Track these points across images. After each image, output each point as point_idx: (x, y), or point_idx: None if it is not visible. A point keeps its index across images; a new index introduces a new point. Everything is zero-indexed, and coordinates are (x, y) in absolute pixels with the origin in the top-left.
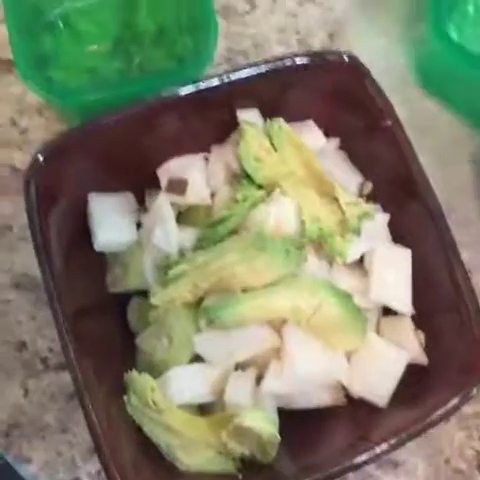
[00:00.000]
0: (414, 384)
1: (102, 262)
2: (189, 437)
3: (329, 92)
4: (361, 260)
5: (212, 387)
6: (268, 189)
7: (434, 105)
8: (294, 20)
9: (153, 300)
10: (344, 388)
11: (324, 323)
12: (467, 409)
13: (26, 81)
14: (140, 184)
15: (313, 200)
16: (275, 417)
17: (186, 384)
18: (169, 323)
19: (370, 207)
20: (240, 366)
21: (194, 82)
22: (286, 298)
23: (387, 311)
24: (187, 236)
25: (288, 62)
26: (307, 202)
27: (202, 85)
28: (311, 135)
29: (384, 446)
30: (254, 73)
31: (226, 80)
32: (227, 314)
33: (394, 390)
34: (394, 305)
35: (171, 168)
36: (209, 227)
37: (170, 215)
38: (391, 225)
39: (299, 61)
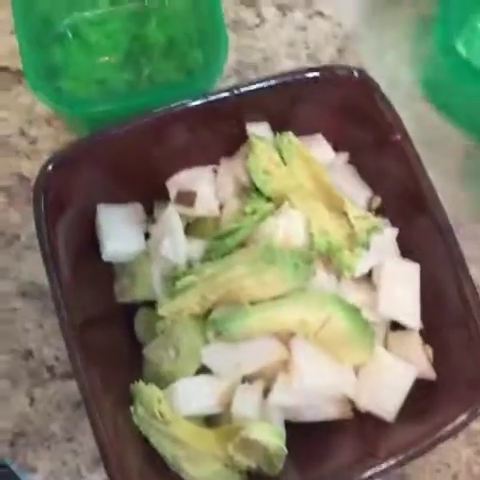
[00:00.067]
0: (422, 399)
1: (110, 272)
2: (195, 449)
3: (338, 106)
4: (369, 274)
5: (219, 399)
6: (277, 202)
7: (442, 120)
8: (303, 34)
9: (160, 311)
10: (351, 402)
11: (332, 337)
12: (475, 425)
13: (35, 91)
14: (149, 195)
15: (322, 214)
16: (282, 430)
17: (193, 396)
18: (176, 334)
19: (379, 221)
20: (247, 378)
21: (204, 95)
22: (294, 311)
23: (395, 326)
24: (195, 248)
25: (298, 76)
26: (316, 216)
27: (212, 98)
28: (320, 149)
29: (392, 462)
30: (264, 86)
31: (236, 93)
32: (235, 326)
33: (402, 405)
34: (402, 320)
35: (180, 180)
36: (217, 239)
37: (179, 226)
38: (399, 240)
39: (309, 75)
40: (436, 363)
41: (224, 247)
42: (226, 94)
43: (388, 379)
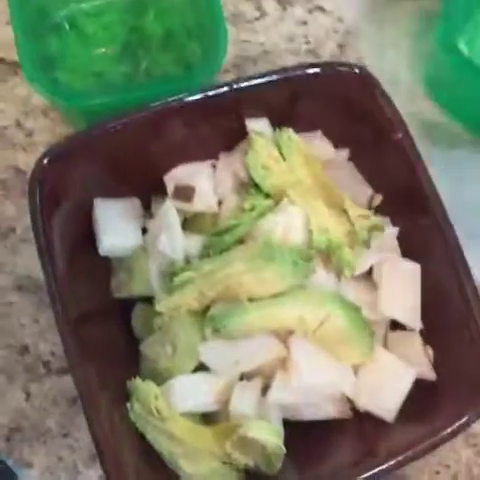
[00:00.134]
0: (422, 400)
1: (107, 267)
2: (192, 446)
3: (339, 103)
4: (370, 273)
5: (216, 396)
6: (276, 198)
7: (444, 117)
8: (304, 28)
9: (158, 307)
10: (351, 401)
11: (331, 335)
12: (475, 426)
13: (32, 83)
14: (146, 190)
15: (321, 211)
16: (280, 428)
17: (190, 393)
18: (174, 331)
19: (379, 220)
20: (245, 376)
21: (202, 89)
22: (293, 309)
23: (395, 325)
24: (193, 243)
25: (299, 71)
26: (315, 213)
27: (210, 92)
28: (320, 146)
29: (391, 462)
30: (264, 82)
31: (235, 88)
32: (233, 323)
33: (401, 405)
34: (402, 319)
35: (178, 174)
36: (216, 235)
37: (176, 222)
38: (400, 238)
39: (310, 71)
40: (437, 364)
41: (222, 243)
42: (225, 89)
43: (388, 379)
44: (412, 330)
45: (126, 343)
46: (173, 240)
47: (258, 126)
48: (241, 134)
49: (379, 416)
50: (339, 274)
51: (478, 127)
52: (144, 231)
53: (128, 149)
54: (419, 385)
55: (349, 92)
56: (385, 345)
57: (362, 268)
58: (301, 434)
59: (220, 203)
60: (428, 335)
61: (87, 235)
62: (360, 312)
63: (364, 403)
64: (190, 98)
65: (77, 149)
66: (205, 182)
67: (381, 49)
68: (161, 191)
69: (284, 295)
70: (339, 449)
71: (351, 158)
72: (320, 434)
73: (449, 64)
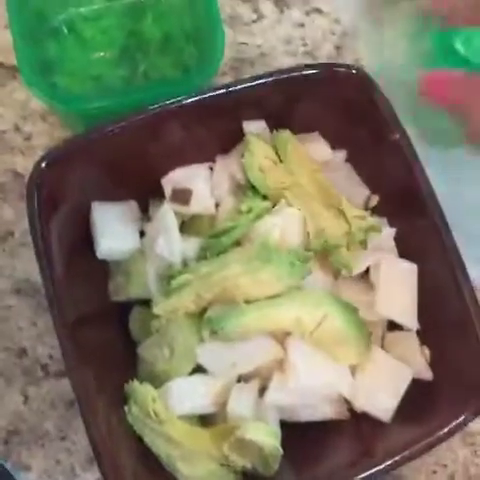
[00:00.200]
0: (419, 400)
1: (104, 270)
2: (190, 448)
3: (336, 104)
4: (367, 273)
5: (214, 398)
6: (273, 200)
7: (441, 118)
8: (301, 30)
9: (155, 310)
10: (347, 402)
11: (328, 336)
12: (472, 426)
13: (30, 87)
14: (144, 193)
15: (319, 212)
16: (277, 430)
17: (187, 395)
18: (171, 333)
19: (377, 221)
20: (243, 378)
21: (200, 91)
22: (290, 310)
23: (392, 326)
24: (190, 246)
25: (296, 73)
26: (312, 214)
27: (208, 95)
28: (317, 147)
29: (388, 463)
30: (261, 84)
31: (232, 90)
32: (230, 325)
33: (398, 405)
34: (399, 320)
35: (175, 177)
36: (213, 237)
37: (174, 224)
38: (397, 239)
39: (307, 72)
40: (433, 364)
41: (220, 245)
42: (222, 91)
43: (384, 379)
44: (409, 330)
45: (124, 346)
46: (171, 243)
47: (255, 128)
48: (238, 136)
49: (376, 416)
50: (336, 275)
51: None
52: (142, 234)
53: (126, 152)
54: (416, 385)
55: (346, 93)
56: (382, 345)
57: (359, 269)
58: (298, 435)
59: (217, 205)
60: (425, 335)
61: (85, 238)
62: (357, 313)
63: (361, 404)
64: (188, 101)
65: (75, 152)
66: (202, 185)
67: (378, 50)
68: (159, 194)
69: (281, 296)
70: (336, 450)
71: (348, 159)
72: (317, 435)
73: (446, 64)
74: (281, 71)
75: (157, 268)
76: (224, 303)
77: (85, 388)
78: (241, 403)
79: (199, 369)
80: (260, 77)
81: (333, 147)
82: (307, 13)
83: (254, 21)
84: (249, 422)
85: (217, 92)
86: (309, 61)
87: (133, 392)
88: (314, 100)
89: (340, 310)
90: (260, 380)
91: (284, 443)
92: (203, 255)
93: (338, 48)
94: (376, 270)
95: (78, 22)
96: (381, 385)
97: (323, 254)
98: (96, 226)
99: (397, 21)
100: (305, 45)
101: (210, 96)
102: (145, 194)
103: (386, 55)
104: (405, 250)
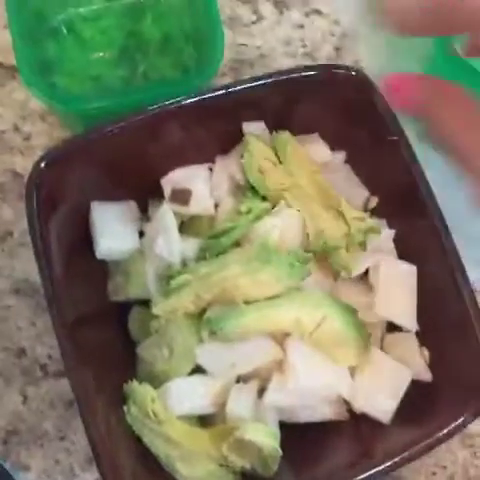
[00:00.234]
0: (419, 401)
1: (104, 270)
2: (189, 449)
3: (336, 106)
4: (366, 275)
5: (213, 399)
6: (272, 201)
7: None
8: (300, 32)
9: (155, 310)
10: (347, 403)
11: (327, 337)
12: (471, 427)
13: (29, 87)
14: (143, 193)
15: (318, 213)
16: (277, 431)
17: (186, 395)
18: (170, 334)
19: (376, 222)
20: (242, 378)
21: (199, 92)
22: (289, 311)
23: (392, 327)
24: (190, 246)
25: (295, 74)
26: (312, 215)
27: (207, 95)
28: (317, 148)
29: (387, 464)
30: (260, 85)
31: (231, 91)
32: (230, 325)
33: (398, 406)
34: (399, 321)
35: (175, 178)
36: (212, 238)
37: (173, 225)
38: (396, 241)
39: (306, 74)
40: (433, 365)
41: (219, 246)
42: (222, 92)
43: (384, 380)
44: (408, 332)
45: (123, 346)
46: (170, 243)
47: (255, 129)
48: (238, 137)
49: (375, 417)
50: (335, 276)
51: None
52: (141, 234)
53: (125, 152)
54: (415, 386)
55: (346, 95)
56: (381, 347)
57: (358, 270)
58: (297, 436)
59: (217, 206)
60: (424, 337)
61: (84, 238)
62: (356, 314)
63: (360, 405)
64: (187, 101)
65: (74, 153)
66: (202, 185)
67: (378, 51)
68: (158, 194)
69: (280, 297)
70: (335, 451)
71: (348, 160)
72: (316, 436)
73: (446, 66)
74: (280, 72)
75: (156, 268)
76: (223, 304)
77: (84, 388)
78: (240, 404)
79: (198, 369)
80: (259, 78)
81: (332, 148)
82: (307, 14)
83: (254, 22)
84: (248, 423)
85: (216, 93)
86: (308, 62)
87: (132, 392)
88: (313, 101)
89: (339, 311)
90: (259, 381)
91: (283, 444)
92: (202, 256)
93: (337, 49)
94: (375, 271)
95: (77, 22)
96: (380, 386)
97: (322, 255)
98: (95, 226)
99: None
100: (304, 46)
101: (209, 97)
102: (144, 194)
103: (386, 57)
104: (404, 251)
